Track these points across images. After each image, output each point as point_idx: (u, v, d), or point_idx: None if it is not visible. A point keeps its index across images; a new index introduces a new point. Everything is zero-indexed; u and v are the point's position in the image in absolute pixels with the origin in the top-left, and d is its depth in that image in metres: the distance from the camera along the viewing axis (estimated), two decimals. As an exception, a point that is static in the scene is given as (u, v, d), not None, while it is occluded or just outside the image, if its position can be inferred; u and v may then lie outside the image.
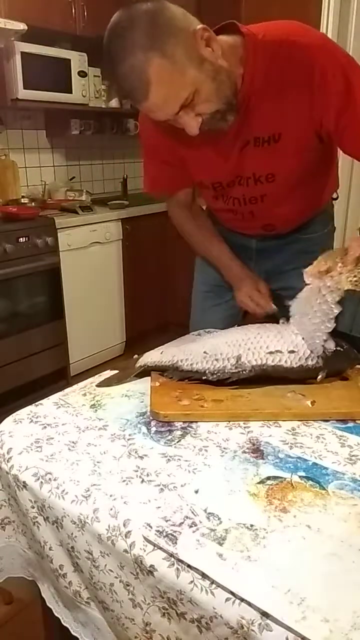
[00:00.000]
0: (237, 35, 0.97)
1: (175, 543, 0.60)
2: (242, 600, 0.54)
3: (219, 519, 0.63)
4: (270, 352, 0.91)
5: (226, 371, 0.91)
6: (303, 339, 0.92)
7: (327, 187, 1.28)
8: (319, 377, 0.91)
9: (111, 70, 0.88)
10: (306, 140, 1.05)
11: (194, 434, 0.82)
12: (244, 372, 0.90)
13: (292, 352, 0.91)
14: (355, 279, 0.89)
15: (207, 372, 0.92)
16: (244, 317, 1.40)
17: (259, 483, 0.69)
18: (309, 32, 0.99)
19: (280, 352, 0.91)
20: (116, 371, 1.02)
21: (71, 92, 2.74)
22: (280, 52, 0.96)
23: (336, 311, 0.91)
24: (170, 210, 1.34)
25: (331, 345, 0.91)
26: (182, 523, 0.62)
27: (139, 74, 0.84)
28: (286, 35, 0.97)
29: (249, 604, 0.53)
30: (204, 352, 0.94)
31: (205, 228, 1.32)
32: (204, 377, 0.92)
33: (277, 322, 1.00)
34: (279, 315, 1.06)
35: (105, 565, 0.66)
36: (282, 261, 1.30)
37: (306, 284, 0.92)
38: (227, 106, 0.95)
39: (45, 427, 0.85)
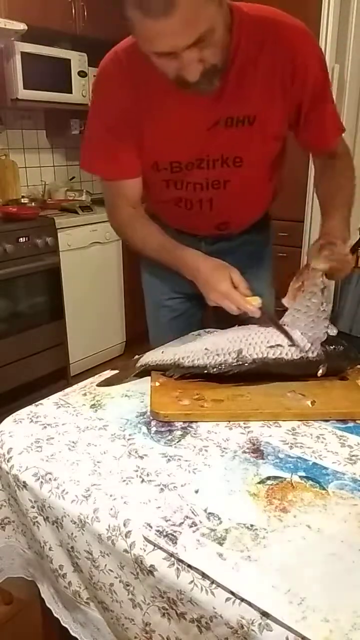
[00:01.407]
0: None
1: (175, 543, 0.60)
2: (242, 600, 0.54)
3: (219, 519, 0.63)
4: (271, 346, 0.91)
5: (227, 364, 0.91)
6: (302, 334, 0.92)
7: (275, 188, 1.25)
8: (320, 371, 0.91)
9: None
10: (278, 126, 1.04)
11: (194, 434, 0.82)
12: (245, 365, 0.90)
13: (292, 345, 0.91)
14: (326, 253, 0.90)
15: (208, 366, 0.92)
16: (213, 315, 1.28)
17: (259, 483, 0.69)
18: (292, 18, 0.99)
19: (281, 345, 0.91)
20: (116, 371, 1.02)
21: (71, 92, 2.75)
22: (266, 29, 0.94)
23: (327, 293, 0.91)
24: (113, 205, 1.16)
25: (333, 331, 0.91)
26: (182, 523, 0.62)
27: None
28: (272, 14, 0.96)
29: (249, 604, 0.53)
30: (205, 349, 0.94)
31: (158, 228, 1.15)
32: (205, 372, 0.92)
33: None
34: (268, 321, 0.97)
35: (105, 565, 0.66)
36: (234, 265, 1.09)
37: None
38: (220, 65, 0.90)
39: (45, 427, 0.85)
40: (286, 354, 0.91)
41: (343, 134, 1.14)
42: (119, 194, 1.14)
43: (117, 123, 1.03)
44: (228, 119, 1.00)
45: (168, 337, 1.17)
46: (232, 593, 0.54)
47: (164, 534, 0.61)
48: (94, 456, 0.77)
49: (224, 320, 1.05)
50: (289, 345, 0.91)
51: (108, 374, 1.02)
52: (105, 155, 1.09)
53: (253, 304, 0.97)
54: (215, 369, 0.91)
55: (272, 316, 0.98)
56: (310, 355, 0.91)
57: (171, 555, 0.59)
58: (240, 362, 0.91)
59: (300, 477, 0.70)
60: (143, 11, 0.76)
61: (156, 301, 1.36)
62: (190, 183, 1.10)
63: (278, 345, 0.91)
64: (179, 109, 0.98)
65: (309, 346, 0.91)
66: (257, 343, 0.92)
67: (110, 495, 0.68)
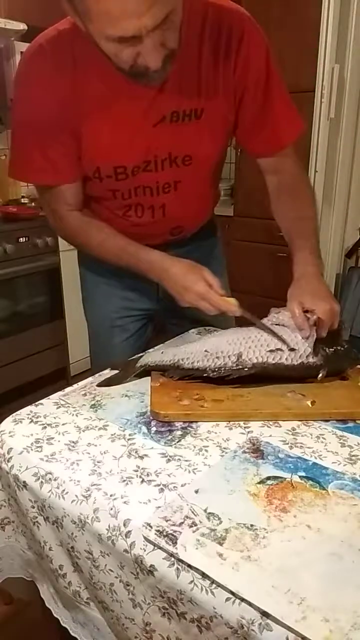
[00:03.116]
0: None
1: (175, 543, 0.60)
2: (242, 600, 0.54)
3: (219, 519, 0.63)
4: (271, 350, 0.91)
5: (227, 368, 0.91)
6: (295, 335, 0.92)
7: (218, 188, 1.22)
8: (320, 375, 0.91)
9: None
10: (226, 120, 0.99)
11: (194, 434, 0.82)
12: (244, 369, 0.90)
13: (292, 350, 0.91)
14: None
15: (208, 369, 0.92)
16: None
17: (259, 483, 0.69)
18: (235, 4, 0.94)
19: (281, 350, 0.91)
20: (116, 371, 1.02)
21: (71, 92, 2.74)
22: (209, 12, 0.89)
23: None
24: (55, 212, 1.05)
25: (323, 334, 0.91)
26: (182, 523, 0.62)
27: None
28: (217, 0, 0.91)
29: (249, 603, 0.53)
30: (205, 351, 0.94)
31: (107, 226, 1.06)
32: (204, 375, 0.92)
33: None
34: (248, 317, 0.95)
35: (105, 565, 0.66)
36: None
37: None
38: (176, 49, 0.81)
39: (45, 427, 0.85)
40: (286, 359, 0.90)
41: (295, 144, 1.05)
42: (59, 201, 1.03)
43: (47, 124, 0.93)
44: (174, 113, 0.94)
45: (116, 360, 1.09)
46: (232, 593, 0.54)
47: (164, 534, 0.61)
48: (94, 456, 0.77)
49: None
50: (289, 350, 0.91)
51: (108, 374, 1.02)
52: (38, 161, 0.97)
53: (232, 303, 0.95)
54: (214, 373, 0.91)
55: (252, 315, 0.96)
56: (310, 360, 0.91)
57: (171, 555, 0.59)
58: (240, 367, 0.91)
59: (300, 477, 0.70)
60: None
61: (106, 321, 1.25)
62: (139, 187, 1.02)
63: (278, 349, 0.91)
64: (119, 104, 0.90)
65: (309, 351, 0.91)
66: (257, 347, 0.92)
67: (110, 495, 0.68)
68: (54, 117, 0.92)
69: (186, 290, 0.97)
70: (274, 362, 0.90)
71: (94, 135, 0.94)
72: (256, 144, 1.05)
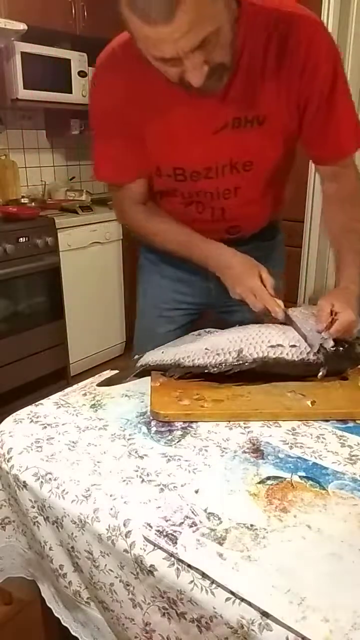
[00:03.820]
0: None
1: (175, 543, 0.60)
2: (242, 600, 0.54)
3: (219, 518, 0.63)
4: (272, 346, 0.91)
5: (227, 363, 0.91)
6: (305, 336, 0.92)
7: (287, 189, 1.21)
8: (320, 373, 0.91)
9: None
10: (288, 126, 0.98)
11: (194, 434, 0.82)
12: (245, 364, 0.90)
13: (293, 346, 0.91)
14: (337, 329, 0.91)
15: (208, 366, 0.92)
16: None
17: (259, 483, 0.69)
18: (304, 7, 0.93)
19: (282, 345, 0.91)
20: (116, 371, 1.02)
21: (71, 92, 2.75)
22: (275, 21, 0.88)
23: None
24: (121, 206, 1.14)
25: (329, 343, 0.91)
26: (182, 523, 0.62)
27: None
28: (285, 6, 0.90)
29: (249, 603, 0.53)
30: (206, 349, 0.94)
31: (170, 218, 1.12)
32: (205, 371, 0.92)
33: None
34: (289, 323, 0.96)
35: (105, 565, 0.66)
36: None
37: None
38: (229, 63, 0.85)
39: (45, 427, 0.85)
40: (287, 354, 0.91)
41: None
42: (126, 197, 1.11)
43: (116, 124, 0.99)
44: (235, 119, 0.95)
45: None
46: (232, 593, 0.54)
47: (164, 534, 0.61)
48: (94, 456, 0.77)
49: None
50: (290, 346, 0.91)
51: (108, 374, 1.02)
52: (108, 160, 1.07)
53: (279, 305, 0.97)
54: (215, 369, 0.91)
55: (293, 322, 0.96)
56: (311, 356, 0.91)
57: (171, 555, 0.59)
58: (241, 362, 0.91)
59: (300, 477, 0.70)
60: (142, 17, 0.72)
61: (154, 309, 1.30)
62: (200, 192, 1.06)
63: (279, 345, 0.91)
64: (182, 110, 0.93)
65: (309, 348, 0.91)
66: (257, 342, 0.92)
67: (110, 495, 0.68)
68: (121, 120, 0.98)
69: (240, 281, 1.01)
70: (274, 357, 0.91)
71: (155, 138, 0.99)
72: (317, 151, 1.04)
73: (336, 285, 1.02)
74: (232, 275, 1.03)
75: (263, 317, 0.99)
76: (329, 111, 0.96)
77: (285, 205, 1.26)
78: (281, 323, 0.97)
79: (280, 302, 0.98)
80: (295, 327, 0.94)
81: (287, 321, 0.96)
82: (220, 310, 1.29)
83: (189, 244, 1.09)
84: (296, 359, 0.91)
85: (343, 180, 1.06)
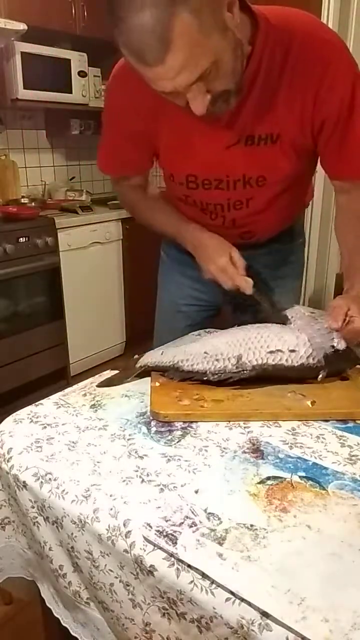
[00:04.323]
0: (244, 13, 0.84)
1: (175, 543, 0.60)
2: (242, 600, 0.54)
3: (219, 519, 0.63)
4: (271, 352, 0.91)
5: (227, 371, 0.91)
6: (309, 339, 0.92)
7: (307, 194, 1.22)
8: (320, 376, 0.91)
9: (120, 20, 0.71)
10: (304, 142, 0.98)
11: (194, 434, 0.82)
12: (244, 372, 0.90)
13: (292, 351, 0.91)
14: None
15: (208, 372, 0.92)
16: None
17: (259, 483, 0.69)
18: (324, 27, 0.93)
19: (281, 351, 0.91)
20: (116, 371, 1.02)
21: (71, 92, 2.75)
22: (294, 42, 0.87)
23: None
24: (121, 189, 1.20)
25: (342, 344, 0.91)
26: (182, 523, 0.62)
27: (160, 30, 0.68)
28: (301, 25, 0.88)
29: (249, 604, 0.53)
30: (205, 353, 0.94)
31: (162, 202, 1.17)
32: (204, 378, 0.92)
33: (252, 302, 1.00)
34: (259, 299, 1.02)
35: (105, 565, 0.66)
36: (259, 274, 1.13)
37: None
38: (235, 87, 0.84)
39: (45, 427, 0.85)
40: (286, 360, 0.90)
41: None
42: (126, 184, 1.17)
43: (127, 124, 1.01)
44: (249, 137, 0.95)
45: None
46: (232, 593, 0.54)
47: (164, 534, 0.61)
48: (94, 456, 0.77)
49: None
50: (289, 351, 0.91)
51: (108, 374, 1.02)
52: (112, 155, 1.11)
53: (248, 281, 1.02)
54: (214, 376, 0.91)
55: (261, 296, 1.00)
56: (311, 361, 0.90)
57: (171, 555, 0.59)
58: (240, 369, 0.91)
59: (300, 477, 0.70)
60: (137, 58, 0.74)
61: (173, 304, 1.33)
62: (210, 203, 1.07)
63: (278, 350, 0.91)
64: (195, 123, 0.91)
65: (309, 352, 0.91)
66: (256, 348, 0.92)
67: (110, 495, 0.68)
68: (133, 121, 1.00)
69: (211, 261, 1.06)
70: (273, 363, 0.90)
71: (168, 146, 1.01)
72: (332, 168, 1.04)
73: (344, 286, 1.03)
74: (204, 255, 1.08)
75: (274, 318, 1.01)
76: (346, 132, 0.95)
77: (305, 208, 1.26)
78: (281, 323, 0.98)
79: (249, 280, 1.02)
80: (265, 306, 0.98)
81: (255, 296, 1.01)
82: (235, 304, 1.30)
83: (172, 224, 1.15)
84: (295, 364, 0.91)
85: (354, 193, 1.06)
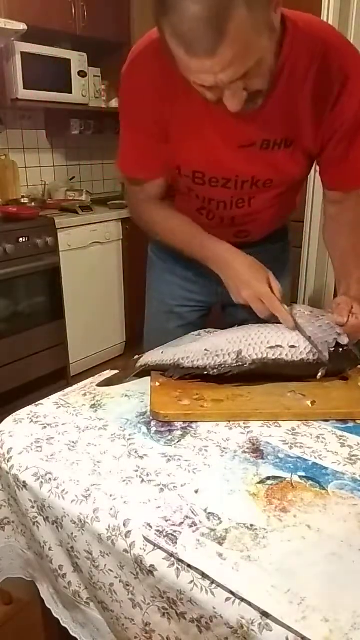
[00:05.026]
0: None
1: (175, 543, 0.60)
2: (242, 600, 0.54)
3: (219, 519, 0.63)
4: (271, 347, 0.91)
5: (227, 365, 0.91)
6: (309, 337, 0.92)
7: (300, 195, 1.23)
8: (319, 374, 0.91)
9: (172, 9, 0.69)
10: (314, 149, 0.99)
11: (194, 434, 0.82)
12: (244, 365, 0.90)
13: (292, 347, 0.91)
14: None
15: (208, 367, 0.92)
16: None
17: (259, 483, 0.69)
18: (345, 39, 0.93)
19: (281, 346, 0.91)
20: (116, 371, 1.02)
21: (71, 92, 2.75)
22: (319, 49, 0.87)
23: None
24: (136, 199, 1.13)
25: (344, 340, 0.91)
26: (182, 523, 0.62)
27: (216, 22, 0.67)
28: (325, 33, 0.89)
29: (249, 603, 0.53)
30: (205, 350, 0.94)
31: (181, 216, 1.11)
32: (205, 373, 0.92)
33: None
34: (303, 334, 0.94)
35: (105, 565, 0.66)
36: None
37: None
38: (266, 89, 0.84)
39: (45, 427, 0.85)
40: (286, 355, 0.91)
41: None
42: (142, 191, 1.10)
43: (145, 118, 0.98)
44: (265, 141, 0.95)
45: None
46: (232, 593, 0.54)
47: (164, 534, 0.61)
48: (94, 456, 0.77)
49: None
50: (289, 347, 0.91)
51: (108, 374, 1.02)
52: (133, 154, 1.06)
53: (289, 313, 0.94)
54: (214, 370, 0.91)
55: (301, 327, 0.94)
56: (311, 357, 0.91)
57: (171, 555, 0.59)
58: (240, 363, 0.91)
59: (300, 477, 0.70)
60: (185, 49, 0.72)
61: (163, 305, 1.31)
62: (213, 200, 1.07)
63: (278, 346, 0.91)
64: (212, 117, 0.91)
65: (309, 348, 0.91)
66: (256, 344, 0.92)
67: (110, 495, 0.68)
68: (151, 114, 0.95)
69: (247, 286, 0.98)
70: (273, 358, 0.90)
71: (180, 137, 0.97)
72: (330, 178, 1.05)
73: (339, 289, 1.03)
74: (237, 279, 1.00)
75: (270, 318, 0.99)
76: (351, 144, 0.96)
77: (296, 209, 1.26)
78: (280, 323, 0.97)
79: (288, 309, 0.96)
80: (301, 330, 0.94)
81: (299, 329, 0.94)
82: (227, 305, 1.30)
83: (195, 241, 1.08)
84: (295, 360, 0.91)
85: (347, 206, 1.07)
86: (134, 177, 1.10)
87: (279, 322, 0.95)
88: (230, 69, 0.73)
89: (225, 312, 1.34)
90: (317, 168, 1.08)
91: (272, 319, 0.97)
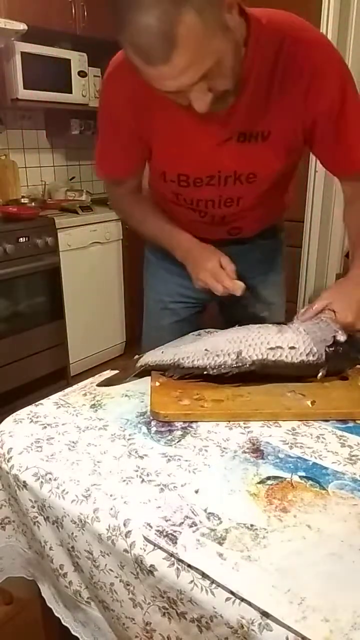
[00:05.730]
0: (239, 15, 0.85)
1: (175, 543, 0.60)
2: (242, 600, 0.54)
3: (219, 518, 0.63)
4: (271, 348, 0.91)
5: (227, 365, 0.91)
6: (307, 333, 0.92)
7: (291, 190, 1.23)
8: (319, 374, 0.91)
9: (125, 20, 0.72)
10: (294, 141, 1.00)
11: (194, 434, 0.82)
12: (244, 366, 0.90)
13: (292, 348, 0.91)
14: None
15: (208, 367, 0.92)
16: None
17: (259, 483, 0.69)
18: (314, 30, 0.94)
19: (281, 347, 0.91)
20: (116, 371, 1.02)
21: (71, 92, 2.75)
22: (284, 44, 0.89)
23: None
24: (114, 196, 1.22)
25: (343, 337, 0.91)
26: (182, 523, 0.62)
27: (166, 31, 0.69)
28: (291, 27, 0.90)
29: (249, 603, 0.53)
30: (205, 350, 0.94)
31: (154, 212, 1.18)
32: (205, 373, 0.92)
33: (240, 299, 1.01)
34: (249, 297, 1.04)
35: (106, 565, 0.66)
36: (244, 270, 1.10)
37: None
38: (233, 87, 0.86)
39: (45, 427, 0.85)
40: (286, 357, 0.91)
41: None
42: (120, 187, 1.17)
43: (121, 125, 1.02)
44: (240, 134, 0.97)
45: (165, 340, 1.13)
46: (232, 593, 0.54)
47: (164, 533, 0.61)
48: (94, 456, 0.77)
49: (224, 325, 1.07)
50: (289, 348, 0.91)
51: (108, 374, 1.02)
52: (107, 157, 1.11)
53: (239, 284, 1.02)
54: (214, 370, 0.91)
55: (250, 295, 1.01)
56: (310, 358, 0.91)
57: (171, 555, 0.59)
58: (240, 364, 0.91)
59: (300, 477, 0.70)
60: (142, 58, 0.74)
61: (159, 303, 1.34)
62: (201, 200, 1.08)
63: (278, 347, 0.91)
64: (189, 120, 0.93)
65: (309, 349, 0.91)
66: (257, 344, 0.92)
67: (110, 495, 0.68)
68: (127, 121, 1.00)
69: (200, 266, 1.07)
70: (273, 359, 0.91)
71: (161, 144, 1.02)
72: (329, 164, 1.06)
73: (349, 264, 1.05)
74: (195, 264, 1.09)
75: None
76: (338, 131, 0.97)
77: (288, 207, 1.27)
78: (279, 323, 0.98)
79: (240, 283, 1.03)
80: (251, 302, 1.01)
81: (246, 295, 1.02)
82: (224, 303, 1.32)
83: (162, 233, 1.16)
84: (295, 361, 0.91)
85: (357, 185, 1.08)
86: (111, 177, 1.17)
87: (235, 300, 1.02)
88: (187, 73, 0.75)
89: (221, 311, 1.36)
90: (317, 167, 1.08)
91: (228, 297, 1.05)
